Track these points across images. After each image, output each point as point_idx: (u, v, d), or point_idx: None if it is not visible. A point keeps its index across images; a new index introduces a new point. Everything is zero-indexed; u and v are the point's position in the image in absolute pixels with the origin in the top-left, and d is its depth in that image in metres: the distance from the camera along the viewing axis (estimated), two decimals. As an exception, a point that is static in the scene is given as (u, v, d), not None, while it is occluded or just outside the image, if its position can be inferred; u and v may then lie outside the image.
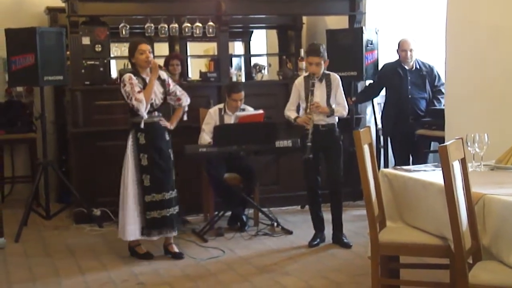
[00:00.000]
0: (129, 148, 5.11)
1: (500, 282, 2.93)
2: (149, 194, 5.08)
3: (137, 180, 5.09)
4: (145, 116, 5.03)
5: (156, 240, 5.25)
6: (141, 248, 5.23)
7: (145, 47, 5.06)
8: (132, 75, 5.05)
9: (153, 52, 5.24)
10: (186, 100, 5.30)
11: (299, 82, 5.51)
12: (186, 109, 5.37)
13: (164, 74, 5.25)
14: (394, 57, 6.67)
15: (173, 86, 5.24)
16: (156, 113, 5.14)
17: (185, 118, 5.44)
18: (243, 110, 6.08)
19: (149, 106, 5.03)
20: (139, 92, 4.97)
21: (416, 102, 6.53)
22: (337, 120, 5.49)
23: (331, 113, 5.36)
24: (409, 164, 6.18)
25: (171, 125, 5.28)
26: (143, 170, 5.09)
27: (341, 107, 5.41)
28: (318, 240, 5.46)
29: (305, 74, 5.56)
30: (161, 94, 5.14)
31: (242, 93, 6.01)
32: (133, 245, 5.23)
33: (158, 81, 5.13)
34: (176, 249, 5.25)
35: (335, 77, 5.45)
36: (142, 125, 5.05)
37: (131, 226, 5.08)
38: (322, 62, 5.35)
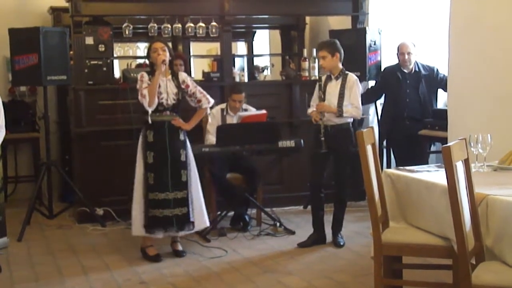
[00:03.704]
0: (139, 145, 5.15)
1: (503, 282, 2.93)
2: (153, 192, 5.10)
3: (143, 178, 5.11)
4: (149, 111, 5.03)
5: (163, 240, 5.27)
6: (151, 250, 5.20)
7: (157, 45, 5.08)
8: (144, 73, 5.10)
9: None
10: (207, 102, 5.27)
11: (322, 80, 5.50)
12: (209, 111, 5.36)
13: (183, 75, 5.24)
14: (397, 58, 6.67)
15: (193, 88, 5.21)
16: (168, 112, 5.12)
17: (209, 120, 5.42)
18: (246, 110, 6.09)
19: (156, 102, 5.03)
20: (145, 88, 5.01)
21: (413, 105, 6.53)
22: (351, 120, 5.45)
23: (339, 113, 5.33)
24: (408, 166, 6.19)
25: (188, 126, 5.25)
26: (148, 167, 5.10)
27: (353, 108, 5.36)
28: (310, 240, 5.44)
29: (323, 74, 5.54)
30: (173, 94, 5.12)
31: (243, 95, 6.01)
32: (144, 246, 5.22)
33: (173, 81, 5.14)
34: (179, 247, 5.27)
35: (352, 77, 5.41)
36: (149, 121, 5.06)
37: (137, 223, 5.12)
38: (330, 56, 5.34)
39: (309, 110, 5.51)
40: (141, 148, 5.14)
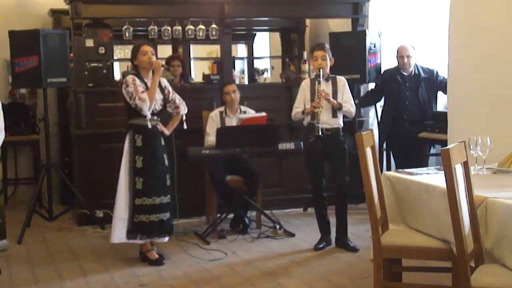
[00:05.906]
0: (125, 149, 5.10)
1: (502, 285, 2.93)
2: (140, 198, 5.04)
3: (129, 183, 5.06)
4: (149, 115, 5.03)
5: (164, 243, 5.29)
6: (152, 254, 5.16)
7: (147, 48, 5.06)
8: (135, 77, 5.05)
9: (156, 54, 5.25)
10: (184, 109, 5.30)
11: (305, 83, 5.52)
12: (184, 117, 5.37)
13: (164, 81, 5.24)
14: (396, 61, 6.67)
15: (172, 94, 5.23)
16: (155, 117, 5.13)
17: (184, 126, 5.42)
18: (245, 112, 6.10)
19: (152, 106, 5.03)
20: (142, 92, 4.98)
21: (413, 108, 6.53)
22: (342, 124, 5.48)
23: (339, 106, 5.34)
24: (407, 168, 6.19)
25: (168, 131, 5.27)
26: (137, 172, 5.06)
27: (348, 104, 5.41)
28: (324, 243, 5.45)
29: (311, 76, 5.54)
30: (160, 100, 5.13)
31: (234, 85, 6.10)
32: (145, 251, 5.17)
33: (158, 87, 5.12)
34: (156, 255, 5.17)
35: (341, 79, 5.47)
36: (149, 126, 5.04)
37: (119, 229, 5.05)
38: (328, 58, 5.37)
39: (298, 110, 5.44)
40: (128, 152, 5.08)
